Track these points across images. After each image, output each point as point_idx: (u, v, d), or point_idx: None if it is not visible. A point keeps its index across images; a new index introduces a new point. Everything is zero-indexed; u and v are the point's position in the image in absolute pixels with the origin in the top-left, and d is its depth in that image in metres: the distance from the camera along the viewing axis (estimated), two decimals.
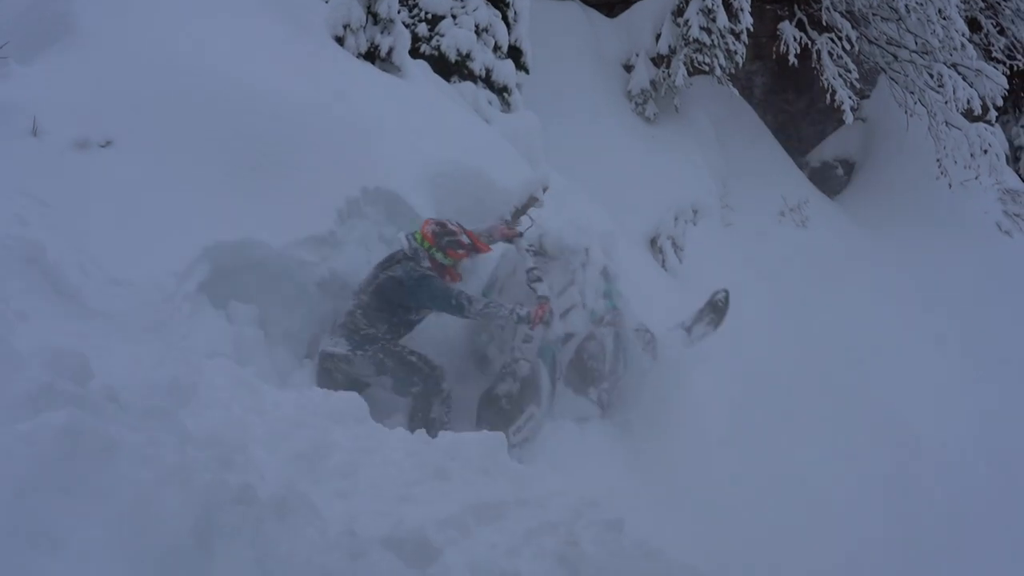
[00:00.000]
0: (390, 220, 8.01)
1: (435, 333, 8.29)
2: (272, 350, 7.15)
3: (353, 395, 5.57)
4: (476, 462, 4.92)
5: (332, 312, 7.71)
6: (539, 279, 7.87)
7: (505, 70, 12.13)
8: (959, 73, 17.54)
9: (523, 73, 12.73)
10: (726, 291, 9.40)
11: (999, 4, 20.57)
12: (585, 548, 4.02)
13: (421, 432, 5.45)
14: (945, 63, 17.59)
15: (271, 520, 3.27)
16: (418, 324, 7.79)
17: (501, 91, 12.11)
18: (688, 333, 9.16)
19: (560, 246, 8.29)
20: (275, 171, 7.41)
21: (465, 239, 7.73)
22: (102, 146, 6.93)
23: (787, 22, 17.83)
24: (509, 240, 8.25)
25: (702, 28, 16.06)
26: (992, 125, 18.49)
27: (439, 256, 7.65)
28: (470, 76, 11.82)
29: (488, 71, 11.97)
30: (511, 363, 7.84)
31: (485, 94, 11.77)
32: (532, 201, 9.16)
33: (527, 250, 8.12)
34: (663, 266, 13.88)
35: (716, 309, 9.28)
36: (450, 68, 11.76)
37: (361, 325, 7.49)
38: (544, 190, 9.40)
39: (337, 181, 7.71)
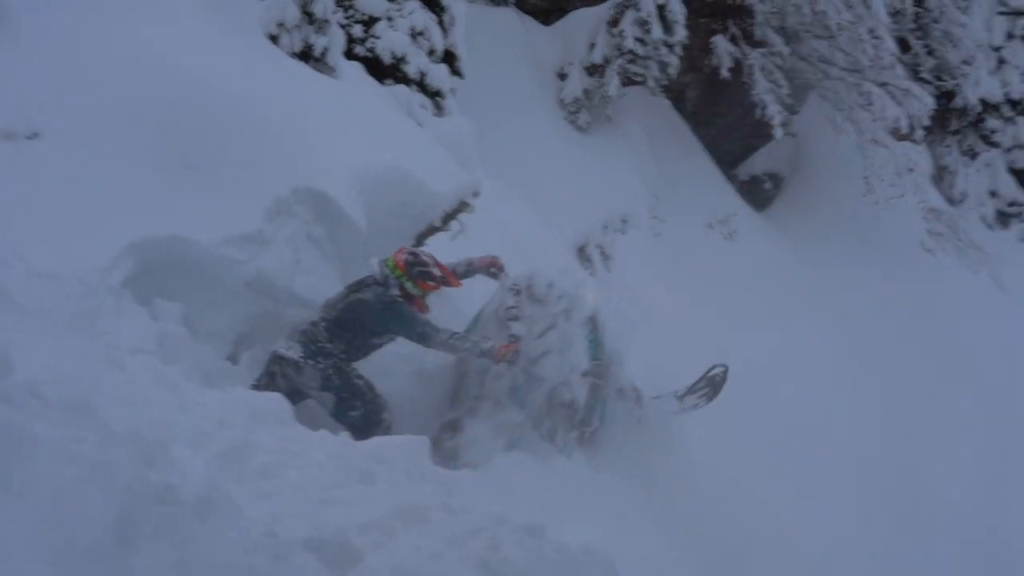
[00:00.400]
0: (319, 220, 7.99)
1: (426, 364, 8.35)
2: (197, 348, 7.08)
3: (277, 396, 5.54)
4: (401, 466, 4.94)
5: (261, 313, 7.68)
6: (515, 318, 7.84)
7: (439, 74, 12.13)
8: (888, 92, 17.80)
9: (457, 78, 12.73)
10: (725, 367, 9.23)
11: (929, 25, 20.92)
12: (507, 553, 4.03)
13: (345, 435, 5.43)
14: (874, 82, 17.84)
15: (193, 520, 3.23)
16: (377, 350, 7.82)
17: (435, 95, 12.11)
18: (680, 402, 9.05)
19: (548, 291, 8.17)
20: (204, 167, 7.36)
21: (436, 272, 7.78)
22: (28, 138, 6.84)
23: (721, 36, 17.97)
24: (491, 274, 8.24)
25: (636, 39, 16.17)
26: (919, 144, 18.82)
27: (409, 285, 7.69)
28: (404, 79, 11.81)
29: (422, 75, 11.96)
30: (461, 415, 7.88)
31: (419, 98, 11.76)
32: (463, 206, 9.17)
33: (510, 289, 8.07)
34: (591, 274, 13.96)
35: (713, 384, 9.13)
36: (384, 70, 11.74)
37: (321, 338, 7.51)
38: (475, 195, 9.41)
39: (267, 179, 7.68)
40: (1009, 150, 22.01)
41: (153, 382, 5.11)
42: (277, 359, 7.45)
